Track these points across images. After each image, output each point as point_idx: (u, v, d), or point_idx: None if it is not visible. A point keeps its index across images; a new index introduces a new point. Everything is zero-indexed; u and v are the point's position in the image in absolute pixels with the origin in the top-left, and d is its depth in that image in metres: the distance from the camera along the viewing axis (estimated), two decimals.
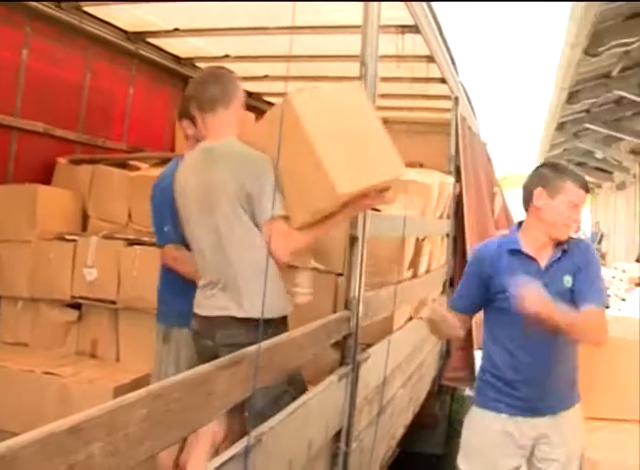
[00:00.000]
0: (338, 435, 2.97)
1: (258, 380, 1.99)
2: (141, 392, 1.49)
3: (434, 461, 6.42)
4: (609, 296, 14.59)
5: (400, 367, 4.25)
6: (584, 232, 20.78)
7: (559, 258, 3.05)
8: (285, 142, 2.42)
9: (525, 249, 3.08)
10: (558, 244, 3.07)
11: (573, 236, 3.19)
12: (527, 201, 3.12)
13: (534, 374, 3.10)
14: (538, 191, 3.05)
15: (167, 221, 3.35)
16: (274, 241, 2.61)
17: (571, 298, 2.98)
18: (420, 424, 5.66)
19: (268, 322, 2.56)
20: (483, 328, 3.27)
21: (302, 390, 2.72)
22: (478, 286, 3.14)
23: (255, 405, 2.15)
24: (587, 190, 3.11)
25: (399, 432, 4.58)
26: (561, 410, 3.15)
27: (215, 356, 2.67)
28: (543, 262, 3.05)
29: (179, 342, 3.35)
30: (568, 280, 3.02)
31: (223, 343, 2.70)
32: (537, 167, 3.23)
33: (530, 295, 2.65)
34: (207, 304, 2.81)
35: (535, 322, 2.71)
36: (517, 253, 3.08)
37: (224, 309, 2.74)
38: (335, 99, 2.69)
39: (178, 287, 3.29)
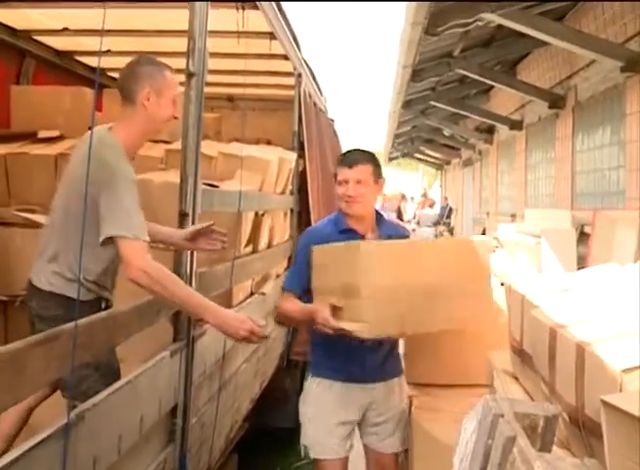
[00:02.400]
0: (174, 410, 2.97)
1: (78, 357, 1.97)
2: None
3: (286, 435, 6.50)
4: None
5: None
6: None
7: (380, 237, 3.37)
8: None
9: (358, 229, 3.37)
10: (379, 226, 3.43)
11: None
12: None
13: (368, 347, 3.31)
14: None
15: None
16: (131, 256, 2.57)
17: None
18: (271, 399, 5.72)
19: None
20: None
21: (112, 377, 2.72)
22: (308, 266, 3.30)
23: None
24: (356, 164, 3.31)
25: (245, 406, 4.62)
26: (390, 378, 3.46)
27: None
28: (366, 236, 3.36)
29: None
30: None
31: (36, 313, 2.80)
32: None
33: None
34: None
35: None
36: (350, 232, 3.33)
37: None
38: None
39: None
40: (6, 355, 1.67)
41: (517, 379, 2.70)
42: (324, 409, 3.39)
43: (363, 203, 3.30)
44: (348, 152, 3.42)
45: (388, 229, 3.44)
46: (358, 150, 3.39)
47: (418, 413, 3.46)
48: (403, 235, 3.52)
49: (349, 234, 3.29)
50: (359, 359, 3.32)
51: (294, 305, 3.33)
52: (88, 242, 2.52)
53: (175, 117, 2.97)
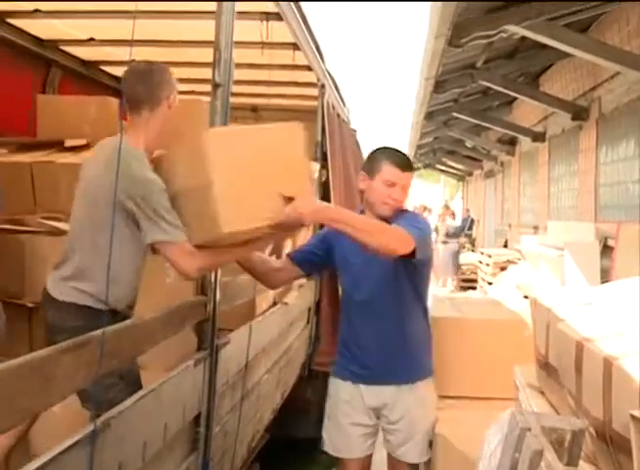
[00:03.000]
0: (198, 419, 2.98)
1: (104, 365, 1.98)
2: None
3: (308, 445, 6.49)
4: (475, 281, 15.16)
5: (265, 352, 4.28)
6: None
7: None
8: (191, 171, 2.52)
9: None
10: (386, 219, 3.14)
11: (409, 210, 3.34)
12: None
13: (373, 345, 3.27)
14: (361, 175, 3.20)
15: None
16: (180, 260, 2.64)
17: (397, 267, 3.13)
18: (293, 409, 5.73)
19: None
20: None
21: (135, 385, 2.74)
22: (318, 246, 3.31)
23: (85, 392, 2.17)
24: (408, 169, 3.18)
25: (267, 416, 4.62)
26: (405, 383, 3.31)
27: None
28: None
29: None
30: None
31: (56, 324, 2.79)
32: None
33: (303, 204, 2.64)
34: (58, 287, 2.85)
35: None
36: None
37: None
38: (259, 139, 2.64)
39: None
40: (35, 362, 1.69)
41: (542, 393, 2.68)
42: (337, 409, 3.40)
43: (399, 208, 3.21)
44: (397, 152, 3.24)
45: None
46: (404, 153, 3.26)
47: (441, 425, 3.43)
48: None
49: None
50: (366, 361, 3.29)
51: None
52: (119, 256, 2.61)
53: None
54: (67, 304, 2.79)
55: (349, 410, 3.35)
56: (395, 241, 2.87)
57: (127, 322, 2.26)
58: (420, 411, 3.34)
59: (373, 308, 3.24)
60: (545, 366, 2.58)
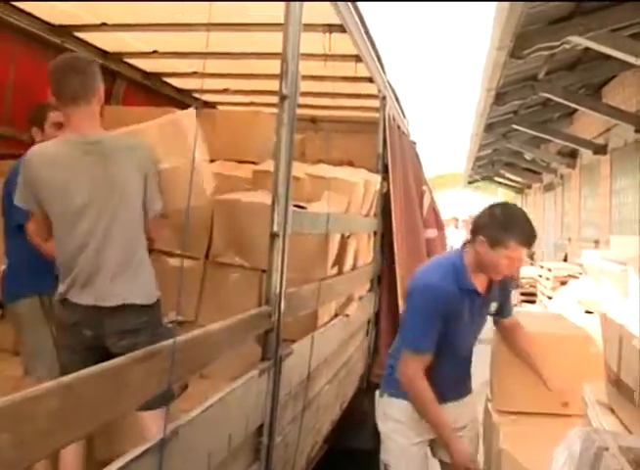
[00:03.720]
0: (260, 429, 2.98)
1: (174, 374, 2.00)
2: (51, 384, 1.49)
3: (363, 456, 6.46)
4: (535, 295, 14.96)
5: (326, 363, 4.28)
6: None
7: (492, 290, 3.38)
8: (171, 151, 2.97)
9: (478, 288, 3.30)
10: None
11: None
12: (473, 235, 3.25)
13: (453, 375, 3.43)
14: (480, 240, 3.16)
15: None
16: (160, 228, 2.98)
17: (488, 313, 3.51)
18: (350, 420, 5.71)
19: (151, 307, 2.86)
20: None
21: None
22: (438, 322, 3.22)
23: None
24: (530, 246, 3.20)
25: (326, 427, 4.61)
26: (464, 397, 3.56)
27: (100, 346, 2.73)
28: (483, 294, 3.34)
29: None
30: (494, 305, 3.47)
31: (115, 330, 2.81)
32: (493, 206, 3.32)
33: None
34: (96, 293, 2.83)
35: None
36: (472, 292, 3.28)
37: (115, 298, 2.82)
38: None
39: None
40: (110, 371, 1.71)
41: (612, 410, 2.62)
42: (411, 429, 3.38)
43: None
44: (528, 230, 3.17)
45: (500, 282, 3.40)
46: (532, 228, 3.21)
47: (507, 442, 3.38)
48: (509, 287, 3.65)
49: (470, 293, 3.25)
50: (439, 386, 3.26)
51: (438, 414, 3.24)
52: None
53: None
54: (122, 306, 2.81)
55: (422, 429, 3.36)
56: None
57: (198, 331, 2.27)
58: (475, 416, 3.69)
59: (463, 349, 3.46)
60: (616, 383, 2.53)
